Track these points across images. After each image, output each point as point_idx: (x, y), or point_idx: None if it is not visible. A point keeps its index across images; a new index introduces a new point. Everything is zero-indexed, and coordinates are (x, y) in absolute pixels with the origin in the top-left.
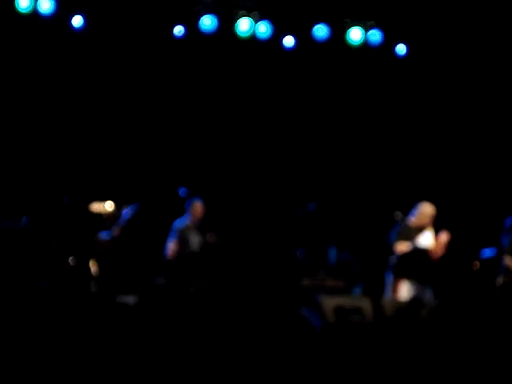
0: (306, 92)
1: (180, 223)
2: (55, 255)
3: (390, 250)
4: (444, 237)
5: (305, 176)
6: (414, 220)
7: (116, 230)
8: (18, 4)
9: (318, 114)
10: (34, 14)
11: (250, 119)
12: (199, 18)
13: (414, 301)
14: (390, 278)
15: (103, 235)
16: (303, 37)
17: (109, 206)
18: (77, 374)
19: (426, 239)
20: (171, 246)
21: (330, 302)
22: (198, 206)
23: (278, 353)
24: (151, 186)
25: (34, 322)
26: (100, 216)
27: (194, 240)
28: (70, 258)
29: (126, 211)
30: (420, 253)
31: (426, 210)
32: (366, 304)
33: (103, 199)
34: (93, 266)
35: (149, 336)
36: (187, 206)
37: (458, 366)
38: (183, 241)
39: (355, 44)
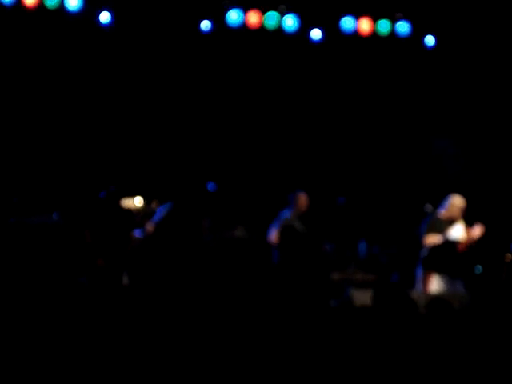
0: (336, 85)
1: (284, 214)
2: (89, 251)
3: (420, 243)
4: (478, 230)
5: (335, 170)
6: (444, 212)
7: (150, 228)
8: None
9: (347, 106)
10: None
11: (278, 112)
12: (226, 13)
13: (446, 295)
14: (420, 272)
15: (137, 233)
16: (330, 30)
17: (138, 201)
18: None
19: (457, 232)
20: (275, 234)
21: (360, 296)
22: (302, 198)
23: (307, 346)
24: (179, 181)
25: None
26: (130, 212)
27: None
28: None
29: (160, 208)
30: (450, 246)
31: (457, 202)
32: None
33: (132, 195)
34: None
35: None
36: (291, 197)
37: (491, 360)
38: None
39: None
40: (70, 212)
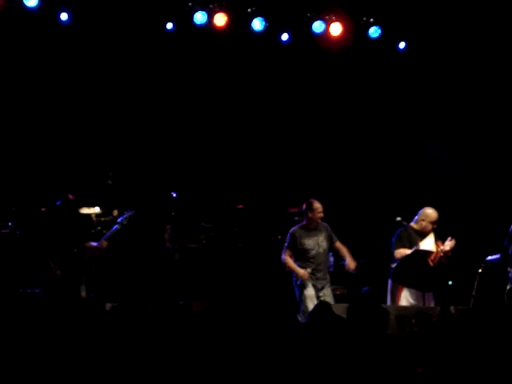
0: (308, 86)
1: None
2: (44, 261)
3: (390, 256)
4: (449, 244)
5: (303, 179)
6: (415, 225)
7: (104, 244)
8: None
9: (314, 112)
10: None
11: (251, 116)
12: (192, 14)
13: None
14: (390, 285)
15: (93, 243)
16: (298, 32)
17: (98, 210)
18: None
19: (427, 245)
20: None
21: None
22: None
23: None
24: (142, 190)
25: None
26: (89, 219)
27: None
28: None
29: (120, 217)
30: (420, 259)
31: (429, 214)
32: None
33: (92, 204)
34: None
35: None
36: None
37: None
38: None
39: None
40: (25, 221)
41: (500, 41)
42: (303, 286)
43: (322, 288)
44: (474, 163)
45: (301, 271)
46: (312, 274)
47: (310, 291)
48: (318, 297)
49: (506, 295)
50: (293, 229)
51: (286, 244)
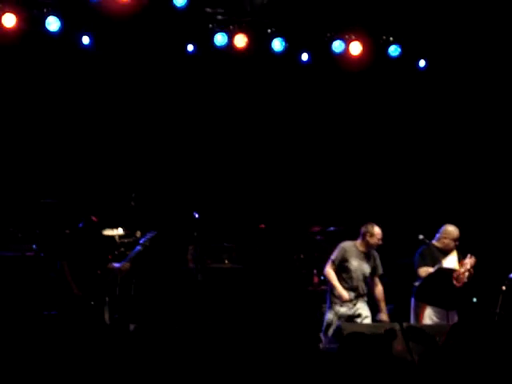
0: (328, 106)
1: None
2: (67, 282)
3: (414, 274)
4: (469, 262)
5: (327, 198)
6: (437, 243)
7: (130, 258)
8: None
9: (336, 132)
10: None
11: (265, 138)
12: (212, 35)
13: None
14: (413, 303)
15: (116, 264)
16: (318, 52)
17: (121, 231)
18: None
19: (450, 263)
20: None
21: (352, 329)
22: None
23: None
24: (164, 211)
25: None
26: (112, 241)
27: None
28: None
29: (143, 238)
30: (444, 277)
31: (450, 232)
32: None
33: (115, 225)
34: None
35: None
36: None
37: None
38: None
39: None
40: (48, 243)
41: None
42: (336, 307)
43: (358, 316)
44: (496, 180)
45: (344, 293)
46: (349, 294)
47: (345, 311)
48: (349, 315)
49: None
50: (345, 243)
51: (332, 257)
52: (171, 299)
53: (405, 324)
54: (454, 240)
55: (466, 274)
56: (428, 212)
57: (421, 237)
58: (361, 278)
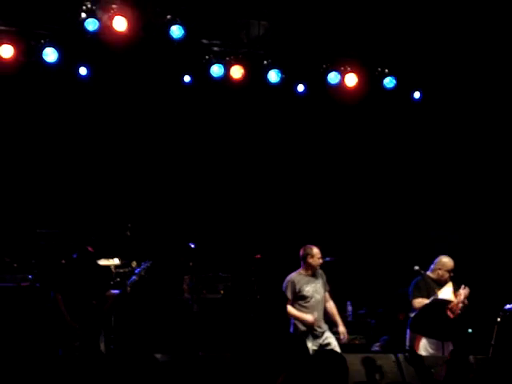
0: (324, 137)
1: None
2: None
3: (408, 305)
4: (463, 293)
5: (323, 229)
6: (432, 274)
7: (127, 287)
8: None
9: (331, 163)
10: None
11: (263, 168)
12: (209, 66)
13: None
14: (409, 334)
15: (114, 291)
16: (314, 83)
17: (117, 261)
18: None
19: (446, 294)
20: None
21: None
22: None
23: None
24: (160, 241)
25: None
26: (108, 270)
27: None
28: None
29: (138, 268)
30: (439, 308)
31: (445, 263)
32: (385, 362)
33: (111, 255)
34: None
35: None
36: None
37: None
38: None
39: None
40: (44, 273)
41: None
42: (309, 341)
43: (322, 334)
44: (491, 210)
45: (307, 316)
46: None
47: (309, 344)
48: (320, 345)
49: None
50: (290, 276)
51: (286, 294)
52: (166, 329)
53: (400, 355)
54: (449, 271)
55: (460, 305)
56: (423, 243)
57: (416, 268)
58: (319, 299)
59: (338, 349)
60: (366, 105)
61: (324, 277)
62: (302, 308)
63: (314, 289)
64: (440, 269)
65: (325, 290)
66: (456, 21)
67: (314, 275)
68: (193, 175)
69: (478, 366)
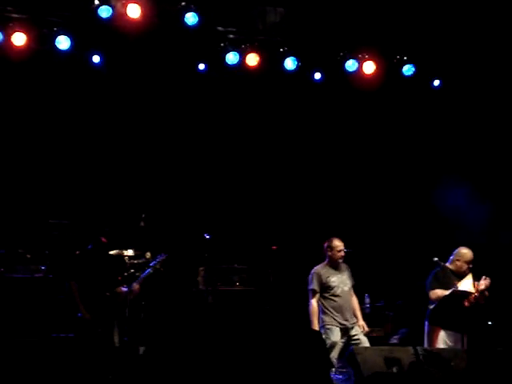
0: (341, 125)
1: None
2: (75, 304)
3: (427, 297)
4: (484, 283)
5: (339, 220)
6: (450, 265)
7: (136, 286)
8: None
9: (349, 151)
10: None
11: (277, 157)
12: (224, 54)
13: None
14: (427, 327)
15: (123, 288)
16: (331, 71)
17: (131, 252)
18: None
19: (466, 286)
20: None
21: (366, 354)
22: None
23: None
24: (175, 232)
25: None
26: (121, 261)
27: None
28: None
29: (153, 261)
30: (458, 300)
31: (464, 254)
32: (403, 355)
33: (125, 246)
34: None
35: None
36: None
37: None
38: None
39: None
40: (57, 264)
41: None
42: (330, 332)
43: (353, 327)
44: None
45: (316, 325)
46: (339, 313)
47: (335, 337)
48: (349, 337)
49: None
50: (315, 268)
51: (311, 287)
52: (181, 322)
53: (419, 348)
54: (467, 262)
55: (479, 295)
56: (443, 234)
57: (435, 259)
58: (347, 290)
59: (367, 344)
60: (384, 93)
61: (349, 271)
62: (330, 299)
63: (340, 280)
64: (458, 260)
65: (351, 283)
66: (476, 8)
67: (337, 268)
68: (208, 165)
69: (498, 358)
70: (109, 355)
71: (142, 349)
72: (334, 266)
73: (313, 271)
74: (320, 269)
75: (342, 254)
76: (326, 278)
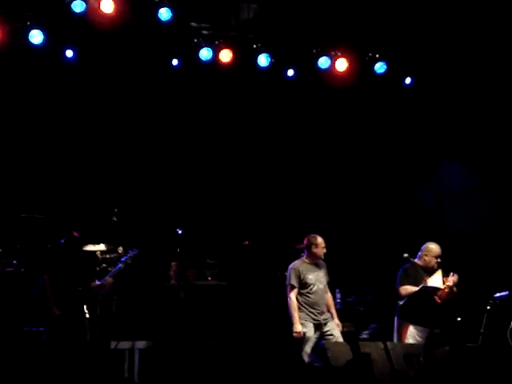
0: (313, 122)
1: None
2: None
3: (396, 292)
4: (452, 279)
5: (311, 215)
6: (419, 261)
7: (109, 280)
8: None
9: (320, 148)
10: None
11: (253, 150)
12: (197, 50)
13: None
14: (397, 322)
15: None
16: (304, 68)
17: (103, 247)
18: None
19: (436, 282)
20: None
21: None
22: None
23: None
24: (147, 227)
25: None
26: (94, 256)
27: None
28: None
29: (125, 256)
30: (427, 296)
31: (431, 249)
32: (373, 350)
33: (97, 241)
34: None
35: None
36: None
37: None
38: None
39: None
40: (29, 258)
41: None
42: (303, 326)
43: (326, 323)
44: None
45: (298, 327)
46: (314, 309)
47: (308, 332)
48: (322, 333)
49: (509, 332)
50: (294, 264)
51: (290, 282)
52: (153, 316)
53: (389, 343)
54: (436, 257)
55: (447, 290)
56: (413, 230)
57: (405, 255)
58: (322, 288)
59: (340, 340)
60: (356, 90)
61: (326, 267)
62: (305, 295)
63: (317, 277)
64: (426, 255)
65: (327, 280)
66: (447, 6)
67: (316, 264)
68: (180, 160)
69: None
70: (80, 349)
71: (113, 343)
72: (314, 262)
73: (291, 266)
74: (298, 265)
75: (325, 250)
76: (303, 275)
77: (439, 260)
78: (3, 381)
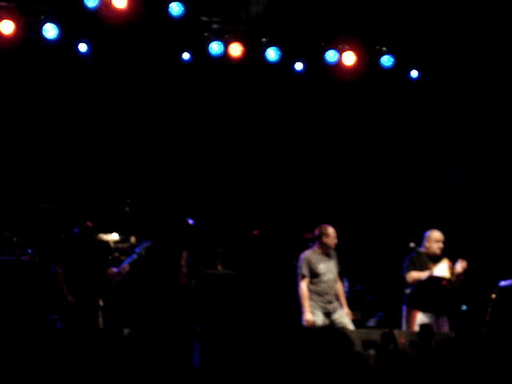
0: (322, 115)
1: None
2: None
3: (403, 281)
4: (460, 266)
5: (320, 205)
6: (424, 250)
7: (126, 268)
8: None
9: (329, 141)
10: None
11: (262, 145)
12: (208, 44)
13: (425, 329)
14: (405, 310)
15: (114, 269)
16: (312, 61)
17: (116, 236)
18: None
19: (441, 270)
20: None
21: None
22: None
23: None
24: (159, 216)
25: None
26: (107, 246)
27: None
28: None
29: (138, 247)
30: (434, 283)
31: (431, 234)
32: (378, 337)
33: (110, 230)
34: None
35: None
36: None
37: None
38: None
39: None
40: (43, 247)
41: None
42: (313, 315)
43: (334, 311)
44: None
45: (309, 317)
46: (323, 297)
47: (318, 321)
48: (332, 321)
49: None
50: (305, 254)
51: (301, 271)
52: (165, 305)
53: (396, 331)
54: (436, 241)
55: (455, 278)
56: (421, 219)
57: (412, 245)
58: (332, 278)
59: (351, 327)
60: (364, 83)
61: (337, 257)
62: (315, 284)
63: (328, 267)
64: (428, 241)
65: (337, 270)
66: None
67: (327, 254)
68: (192, 151)
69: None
70: (93, 337)
71: (126, 330)
72: (325, 252)
73: (303, 256)
74: (310, 254)
75: (336, 240)
76: (314, 265)
77: (441, 245)
78: (16, 368)
